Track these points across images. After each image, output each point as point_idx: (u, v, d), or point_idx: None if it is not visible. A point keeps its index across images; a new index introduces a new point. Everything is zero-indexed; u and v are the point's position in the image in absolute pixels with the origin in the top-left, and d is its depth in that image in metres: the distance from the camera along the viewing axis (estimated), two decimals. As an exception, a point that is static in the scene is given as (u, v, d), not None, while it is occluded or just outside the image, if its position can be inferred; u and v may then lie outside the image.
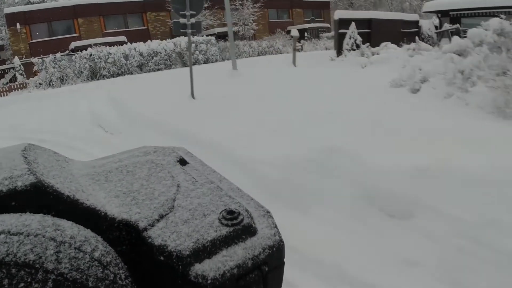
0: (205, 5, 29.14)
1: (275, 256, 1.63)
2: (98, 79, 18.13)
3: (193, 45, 20.65)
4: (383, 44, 14.27)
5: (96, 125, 7.32)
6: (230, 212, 1.65)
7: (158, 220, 1.63)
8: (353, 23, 14.45)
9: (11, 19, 25.76)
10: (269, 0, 33.88)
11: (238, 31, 28.83)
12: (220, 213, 1.67)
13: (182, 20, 7.30)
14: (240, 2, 28.56)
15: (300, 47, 30.49)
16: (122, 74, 18.52)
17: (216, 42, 22.36)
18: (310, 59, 14.87)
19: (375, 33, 16.33)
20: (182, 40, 20.50)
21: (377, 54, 13.49)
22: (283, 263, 1.72)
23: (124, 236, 1.61)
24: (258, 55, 25.04)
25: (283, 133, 4.74)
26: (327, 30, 42.65)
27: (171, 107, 7.19)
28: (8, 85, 20.37)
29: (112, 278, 1.35)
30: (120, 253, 1.50)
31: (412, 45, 13.67)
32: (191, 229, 1.58)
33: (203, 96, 7.80)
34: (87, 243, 1.35)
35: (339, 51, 14.69)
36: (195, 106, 7.10)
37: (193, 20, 7.33)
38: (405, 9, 50.48)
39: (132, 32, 29.32)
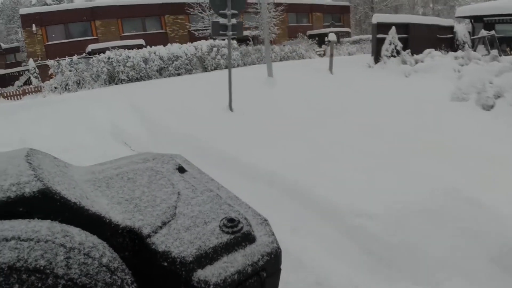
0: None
1: (272, 263, 1.65)
2: (116, 84, 17.26)
3: (215, 49, 19.72)
4: (427, 51, 13.24)
5: (120, 141, 6.34)
6: (231, 220, 1.67)
7: (161, 227, 1.65)
8: (393, 27, 13.40)
9: (27, 20, 25.11)
10: (289, 4, 32.88)
11: (259, 35, 27.85)
12: (221, 220, 1.69)
13: (222, 21, 6.30)
14: (261, 5, 27.54)
15: (322, 52, 29.46)
16: (141, 78, 17.63)
17: (238, 46, 21.37)
18: (343, 65, 13.77)
19: (413, 38, 15.31)
20: (203, 44, 19.58)
21: (421, 62, 12.46)
22: (280, 270, 1.71)
23: (128, 242, 1.60)
24: (281, 60, 24.04)
25: (369, 168, 3.69)
26: (347, 34, 41.61)
27: (207, 121, 6.19)
28: (22, 88, 19.69)
29: (119, 283, 1.36)
30: (123, 259, 1.48)
31: (460, 53, 12.59)
32: (193, 236, 1.60)
33: (242, 108, 6.79)
34: (95, 249, 1.36)
35: (377, 57, 13.63)
36: (236, 121, 6.09)
37: (234, 21, 6.34)
38: (427, 14, 49.05)
39: (150, 35, 28.56)
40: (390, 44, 13.31)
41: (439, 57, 12.49)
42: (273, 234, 1.76)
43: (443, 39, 17.48)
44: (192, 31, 28.45)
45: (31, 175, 1.52)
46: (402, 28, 14.65)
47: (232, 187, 2.32)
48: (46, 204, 1.46)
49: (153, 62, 17.79)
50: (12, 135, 6.53)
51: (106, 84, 17.14)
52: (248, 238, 1.65)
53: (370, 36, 38.37)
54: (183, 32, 30.61)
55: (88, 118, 7.90)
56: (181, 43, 20.25)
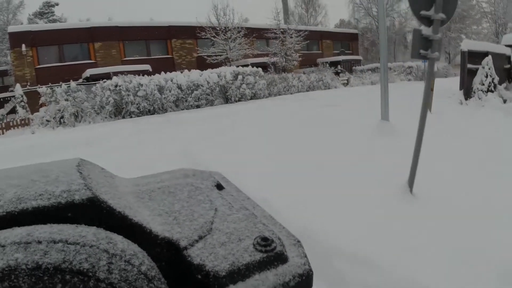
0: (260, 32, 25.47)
1: (304, 284, 1.60)
2: (124, 117, 13.97)
3: (240, 77, 16.68)
4: (534, 84, 10.37)
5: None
6: (264, 239, 1.65)
7: (197, 241, 1.67)
8: (489, 57, 10.54)
9: (16, 39, 21.75)
10: (301, 30, 30.24)
11: (276, 62, 25.00)
12: (255, 239, 1.68)
13: (425, 31, 3.16)
14: (281, 30, 24.84)
15: (346, 81, 26.74)
16: (154, 111, 14.40)
17: (264, 74, 18.38)
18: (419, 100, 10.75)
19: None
20: (227, 71, 16.54)
21: None
22: None
23: (165, 253, 1.63)
24: (307, 90, 21.12)
25: None
26: (358, 63, 39.35)
27: (382, 228, 2.95)
28: (5, 121, 16.14)
29: None
30: (159, 269, 1.51)
31: None
32: (227, 252, 1.60)
33: (427, 191, 3.58)
34: (136, 257, 1.40)
35: (468, 91, 10.68)
36: (449, 236, 2.82)
37: (439, 35, 3.21)
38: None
39: (154, 60, 25.49)
40: (487, 77, 10.40)
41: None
42: (305, 256, 1.68)
43: (504, 70, 15.04)
44: (204, 57, 25.41)
45: (81, 184, 1.61)
46: (480, 57, 11.86)
47: None
48: (93, 211, 1.53)
49: (170, 91, 14.59)
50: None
51: (111, 117, 13.84)
52: (280, 258, 1.60)
53: (386, 66, 36.18)
54: (191, 58, 27.57)
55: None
56: (189, 70, 17.23)
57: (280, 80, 19.60)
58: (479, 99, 10.30)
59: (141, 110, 14.05)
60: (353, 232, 2.96)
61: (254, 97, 17.32)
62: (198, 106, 15.55)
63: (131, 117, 13.90)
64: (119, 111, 14.08)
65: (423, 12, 3.15)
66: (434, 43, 3.26)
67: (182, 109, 15.16)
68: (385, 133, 5.82)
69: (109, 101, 13.66)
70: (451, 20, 30.90)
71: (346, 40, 43.64)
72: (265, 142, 6.50)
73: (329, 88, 22.72)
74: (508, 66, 16.33)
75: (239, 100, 16.69)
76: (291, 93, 19.70)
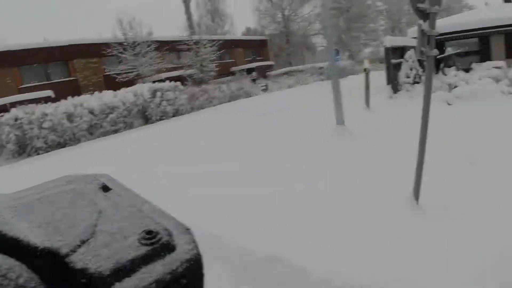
0: (154, 48, 24.24)
1: (193, 269, 1.64)
2: (29, 155, 12.09)
3: (158, 93, 15.51)
4: (453, 73, 10.82)
5: None
6: (149, 232, 1.66)
7: (79, 246, 1.64)
8: (412, 50, 10.78)
9: None
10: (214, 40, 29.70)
11: (192, 74, 24.08)
12: (140, 234, 1.67)
13: (425, 27, 2.73)
14: (194, 41, 23.97)
15: (265, 87, 26.61)
16: (65, 143, 12.67)
17: (183, 88, 17.38)
18: (354, 98, 10.65)
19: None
20: (143, 88, 15.29)
21: (455, 86, 10.06)
22: (202, 275, 1.71)
23: (48, 263, 1.58)
24: (229, 100, 20.47)
25: None
26: (270, 68, 39.96)
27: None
28: None
29: None
30: (45, 280, 1.48)
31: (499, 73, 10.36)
32: (112, 251, 1.59)
33: (428, 199, 3.06)
34: (11, 271, 1.37)
35: (395, 85, 10.81)
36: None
37: (436, 31, 2.76)
38: (345, 41, 49.29)
39: (57, 84, 23.14)
40: (412, 70, 10.62)
41: (478, 80, 10.14)
42: (193, 242, 1.70)
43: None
44: (113, 75, 23.60)
45: None
46: (398, 51, 12.21)
47: None
48: None
49: (81, 118, 12.97)
50: None
51: (15, 157, 11.87)
52: (167, 248, 1.61)
53: (298, 67, 37.05)
54: (98, 78, 25.47)
55: None
56: (99, 92, 15.68)
57: (201, 92, 18.73)
58: (407, 91, 10.49)
59: (49, 144, 12.26)
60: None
61: (176, 113, 16.25)
62: (115, 131, 14.09)
63: (38, 153, 12.05)
64: (23, 149, 12.17)
65: (419, 5, 2.69)
66: (431, 38, 2.81)
67: (98, 137, 13.60)
68: (346, 138, 5.35)
69: (10, 139, 11.71)
70: (351, 20, 31.73)
71: (256, 47, 44.22)
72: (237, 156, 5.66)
73: (250, 96, 22.33)
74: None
75: (160, 119, 15.53)
76: (214, 105, 18.93)
